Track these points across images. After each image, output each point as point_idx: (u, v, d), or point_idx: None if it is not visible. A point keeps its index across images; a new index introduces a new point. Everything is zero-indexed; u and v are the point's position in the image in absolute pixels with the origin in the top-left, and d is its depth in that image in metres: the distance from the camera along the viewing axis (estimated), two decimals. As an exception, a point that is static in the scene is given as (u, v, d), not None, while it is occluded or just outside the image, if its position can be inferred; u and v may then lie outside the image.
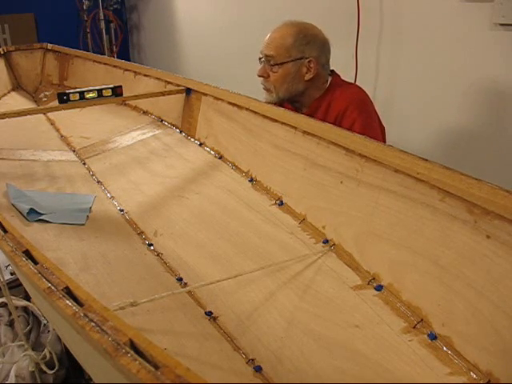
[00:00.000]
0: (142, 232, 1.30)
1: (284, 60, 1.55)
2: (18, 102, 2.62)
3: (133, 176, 1.66)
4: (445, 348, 0.85)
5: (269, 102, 1.60)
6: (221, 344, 0.89)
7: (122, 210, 1.42)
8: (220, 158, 1.70)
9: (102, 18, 4.26)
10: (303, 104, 1.65)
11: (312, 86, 1.61)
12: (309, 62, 1.56)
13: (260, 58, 1.63)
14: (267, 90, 1.63)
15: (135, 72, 2.36)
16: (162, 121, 2.10)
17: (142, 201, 1.48)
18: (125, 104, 2.35)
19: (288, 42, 1.55)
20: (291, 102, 1.65)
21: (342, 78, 1.69)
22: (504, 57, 1.84)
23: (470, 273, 0.86)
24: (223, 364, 0.84)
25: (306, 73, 1.57)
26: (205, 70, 3.60)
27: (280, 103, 1.62)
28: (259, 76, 1.62)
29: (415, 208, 1.00)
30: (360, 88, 1.66)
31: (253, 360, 0.86)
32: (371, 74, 2.35)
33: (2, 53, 2.82)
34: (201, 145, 1.82)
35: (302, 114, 1.58)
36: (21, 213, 1.31)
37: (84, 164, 1.78)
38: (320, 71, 1.60)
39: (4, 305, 1.53)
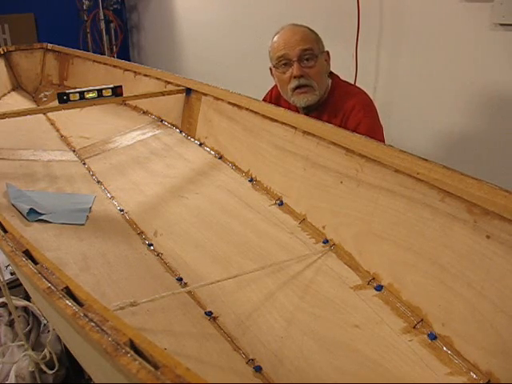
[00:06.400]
0: (142, 232, 1.30)
1: (319, 52, 1.56)
2: (18, 101, 2.62)
3: (133, 176, 1.66)
4: (445, 348, 0.85)
5: (307, 106, 1.57)
6: (221, 344, 0.89)
7: (121, 210, 1.42)
8: (220, 158, 1.70)
9: (102, 18, 4.27)
10: (314, 107, 1.61)
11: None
12: (327, 53, 1.61)
13: (283, 63, 1.54)
14: (308, 89, 1.54)
15: (135, 72, 2.36)
16: (161, 121, 2.10)
17: (141, 201, 1.48)
18: (125, 104, 2.35)
19: (314, 35, 1.57)
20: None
21: (342, 78, 1.69)
22: (504, 57, 1.84)
23: (470, 273, 0.86)
24: (223, 364, 0.84)
25: (327, 65, 1.61)
26: (205, 70, 3.60)
27: (317, 102, 1.58)
28: (299, 76, 1.52)
29: (415, 208, 0.99)
30: (364, 91, 1.65)
31: (253, 360, 0.86)
32: (371, 73, 2.35)
33: (2, 53, 2.82)
34: (201, 145, 1.82)
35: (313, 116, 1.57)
36: (21, 213, 1.31)
37: (84, 164, 1.78)
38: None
39: (4, 305, 1.53)
